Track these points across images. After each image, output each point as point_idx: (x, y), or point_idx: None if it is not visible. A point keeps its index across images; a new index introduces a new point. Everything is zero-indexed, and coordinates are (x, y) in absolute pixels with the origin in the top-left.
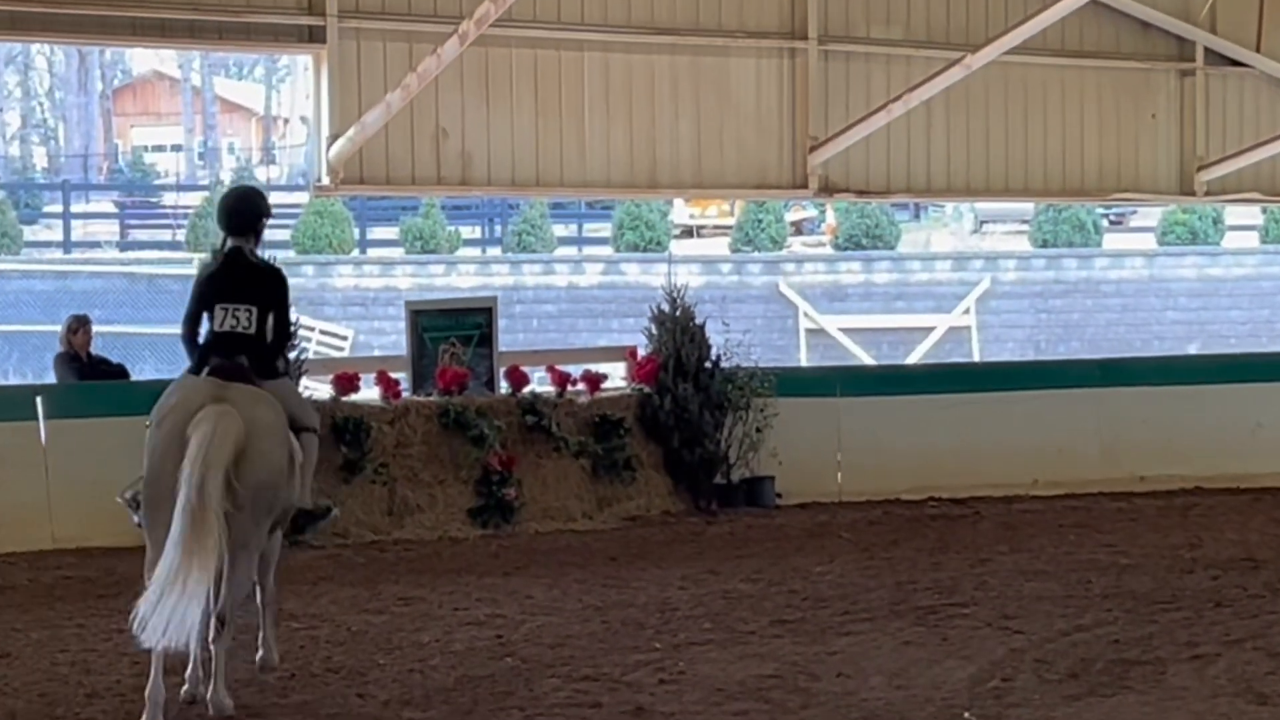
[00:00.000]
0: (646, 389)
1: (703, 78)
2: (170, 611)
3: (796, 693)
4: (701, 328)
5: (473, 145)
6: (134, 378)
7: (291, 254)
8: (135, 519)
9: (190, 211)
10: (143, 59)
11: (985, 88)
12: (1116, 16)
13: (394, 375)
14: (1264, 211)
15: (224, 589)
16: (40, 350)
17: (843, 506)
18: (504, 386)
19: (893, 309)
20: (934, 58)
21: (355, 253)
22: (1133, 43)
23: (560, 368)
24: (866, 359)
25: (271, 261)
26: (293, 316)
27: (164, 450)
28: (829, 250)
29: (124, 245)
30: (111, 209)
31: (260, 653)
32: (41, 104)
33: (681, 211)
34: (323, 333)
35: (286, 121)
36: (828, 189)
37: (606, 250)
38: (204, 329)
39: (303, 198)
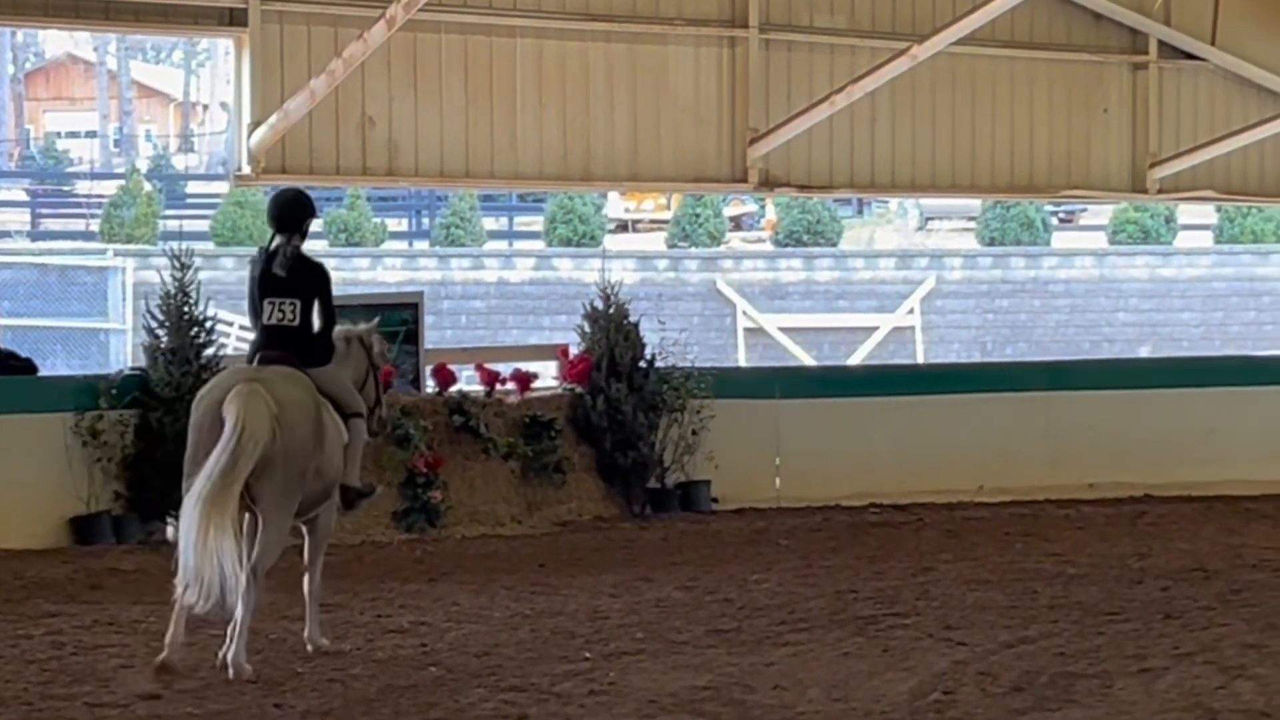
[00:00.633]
0: (578, 389)
1: (639, 67)
2: (203, 572)
3: (731, 705)
4: (636, 326)
5: (400, 135)
6: (43, 373)
7: (210, 246)
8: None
9: (105, 200)
10: (56, 41)
11: (932, 80)
12: (1068, 7)
13: None
14: (1218, 210)
15: (256, 547)
16: None
17: (781, 512)
18: (430, 385)
19: (834, 308)
20: (879, 48)
21: None
22: (1084, 34)
23: (489, 366)
24: (807, 360)
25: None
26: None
27: (199, 426)
28: (769, 247)
29: (35, 235)
30: (22, 197)
31: (307, 629)
32: None
33: (616, 205)
34: (242, 328)
35: (206, 108)
36: (768, 183)
37: (538, 245)
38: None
39: (222, 187)
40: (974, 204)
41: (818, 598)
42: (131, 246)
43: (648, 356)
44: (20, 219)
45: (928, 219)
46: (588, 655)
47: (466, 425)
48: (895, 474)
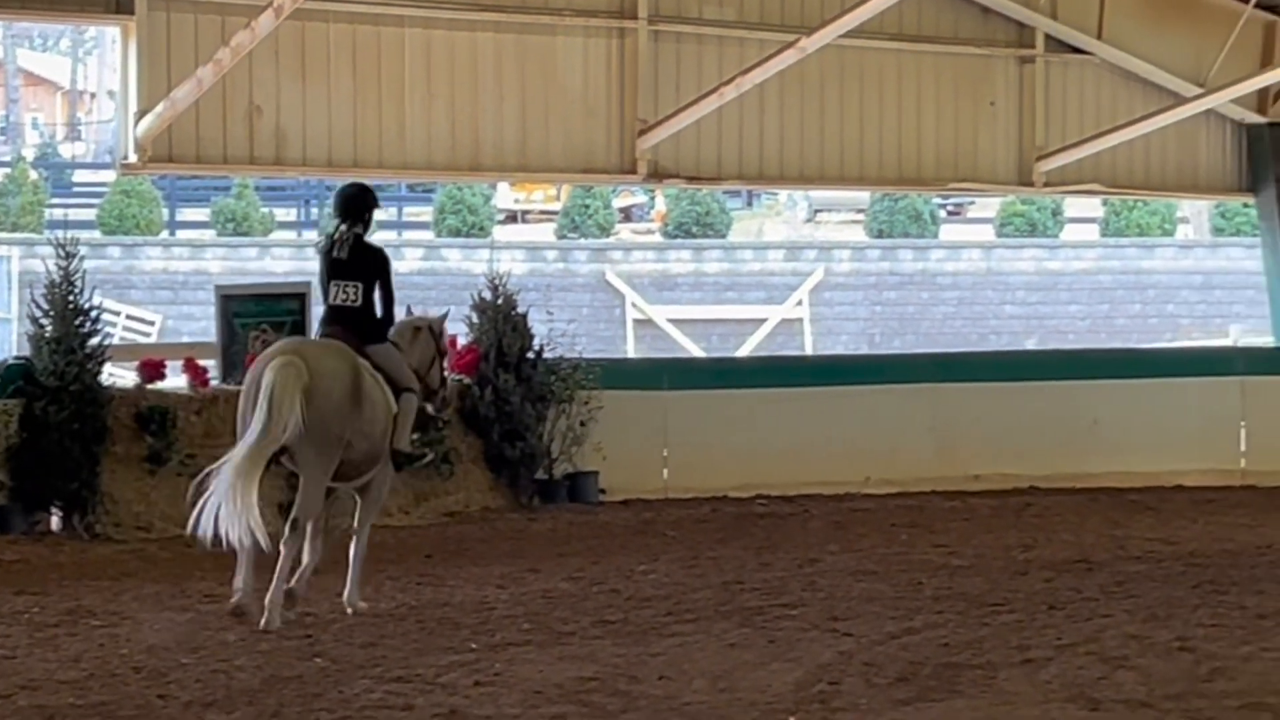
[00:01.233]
0: (466, 380)
1: (528, 57)
2: (223, 513)
3: (616, 695)
4: (524, 317)
5: (288, 124)
6: None
7: (97, 234)
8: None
9: None
10: None
11: (820, 72)
12: (955, 1)
13: (202, 363)
14: (1104, 204)
15: (297, 500)
16: None
17: (668, 504)
18: None
19: (723, 299)
20: (768, 40)
21: (164, 234)
22: (972, 28)
23: None
24: (696, 351)
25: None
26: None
27: (245, 394)
28: (658, 238)
29: None
30: None
31: (346, 592)
32: None
33: (506, 195)
34: (129, 317)
35: (93, 96)
36: (657, 174)
37: (427, 235)
38: None
39: (110, 176)
40: (863, 196)
41: (704, 589)
42: (17, 235)
43: (536, 347)
44: None
45: (816, 211)
46: (473, 646)
47: None
48: (783, 465)
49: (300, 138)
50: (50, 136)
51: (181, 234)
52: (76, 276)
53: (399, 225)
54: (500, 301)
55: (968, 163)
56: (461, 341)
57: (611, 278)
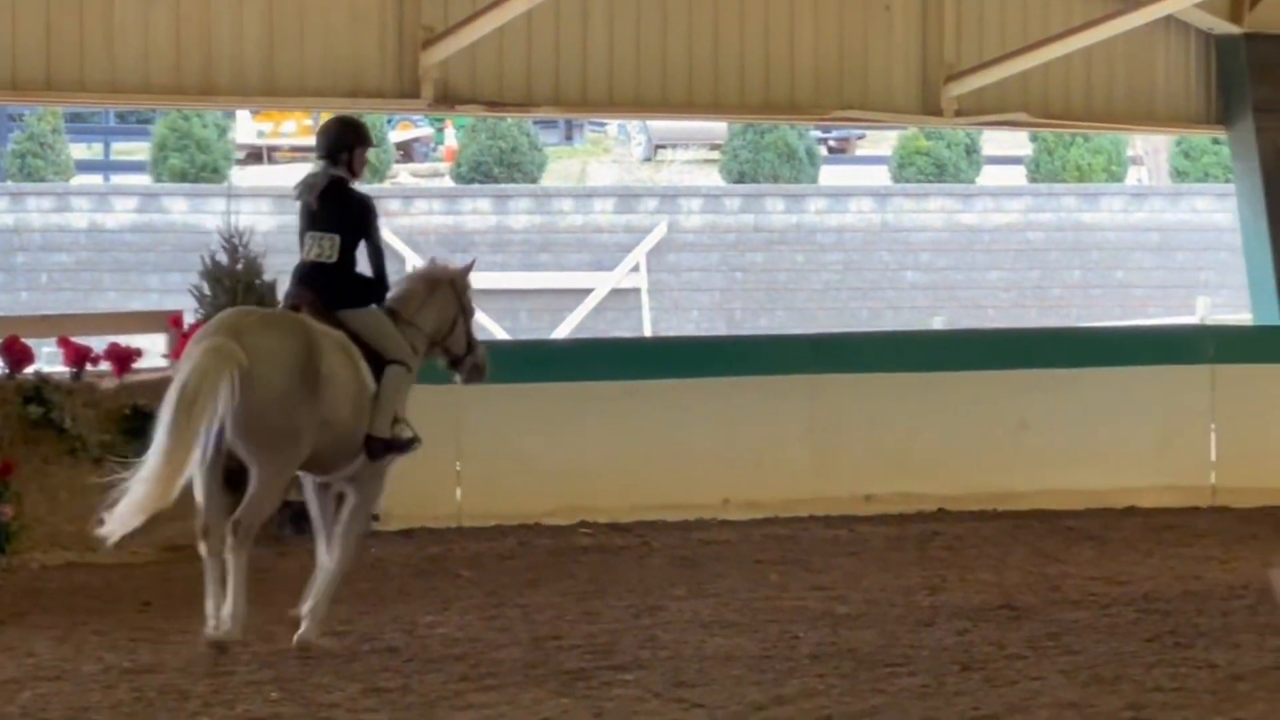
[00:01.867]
0: None
1: None
2: (132, 500)
3: None
4: (272, 287)
5: None
6: None
7: None
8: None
9: None
10: None
11: None
12: None
13: None
14: (1033, 139)
15: (245, 500)
16: None
17: (463, 534)
18: None
19: (535, 264)
20: None
21: None
22: None
23: (77, 340)
24: (498, 332)
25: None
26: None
27: (173, 383)
28: (448, 183)
29: None
30: None
31: (304, 620)
32: None
33: (247, 128)
34: None
35: None
36: (447, 99)
37: (143, 180)
38: None
39: None
40: (718, 128)
41: (510, 645)
42: None
43: None
44: None
45: (657, 147)
46: None
47: (47, 418)
48: (613, 483)
49: None
50: None
51: None
52: None
53: (105, 167)
54: (240, 267)
55: (855, 85)
56: (189, 319)
57: (387, 234)
